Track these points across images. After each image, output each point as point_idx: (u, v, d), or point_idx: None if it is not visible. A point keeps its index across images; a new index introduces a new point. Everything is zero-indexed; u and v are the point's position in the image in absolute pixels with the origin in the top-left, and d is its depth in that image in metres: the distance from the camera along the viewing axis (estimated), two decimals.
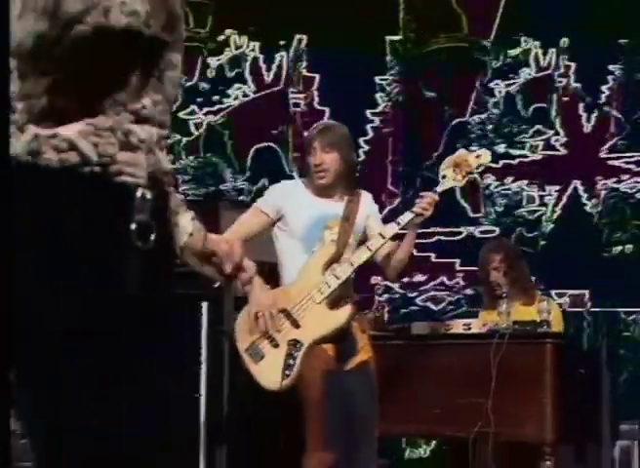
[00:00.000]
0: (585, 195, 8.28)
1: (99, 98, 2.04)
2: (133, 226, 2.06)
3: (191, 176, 8.97)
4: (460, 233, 7.51)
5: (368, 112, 9.42)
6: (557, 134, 8.54)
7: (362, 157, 9.17)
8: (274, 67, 9.52)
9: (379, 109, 9.46)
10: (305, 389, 4.26)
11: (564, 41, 8.59)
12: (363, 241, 4.43)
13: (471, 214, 8.45)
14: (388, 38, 9.21)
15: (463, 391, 4.96)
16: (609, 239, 8.01)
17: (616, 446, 5.79)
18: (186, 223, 2.40)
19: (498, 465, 4.91)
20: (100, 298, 2.05)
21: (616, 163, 8.17)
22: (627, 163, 8.16)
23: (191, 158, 9.06)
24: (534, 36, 8.72)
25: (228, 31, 9.16)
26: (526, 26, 8.62)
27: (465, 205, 8.50)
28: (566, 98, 8.56)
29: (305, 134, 4.77)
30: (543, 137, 8.62)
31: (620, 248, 7.84)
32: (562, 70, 8.75)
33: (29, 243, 2.04)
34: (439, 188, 4.39)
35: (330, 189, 4.38)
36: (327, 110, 9.28)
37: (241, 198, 8.30)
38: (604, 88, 8.41)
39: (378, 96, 9.46)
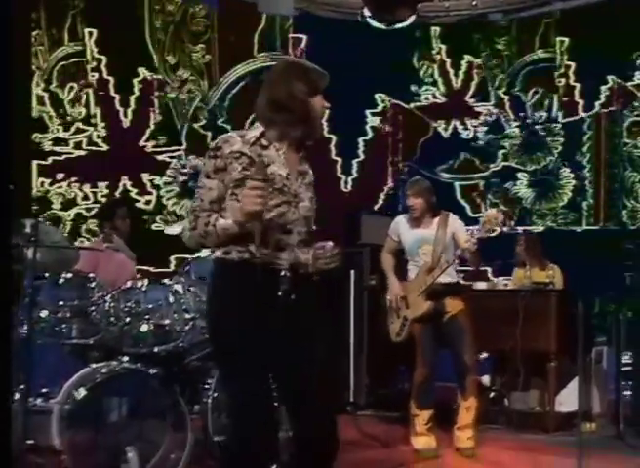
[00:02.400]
0: None
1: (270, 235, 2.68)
2: (279, 293, 2.66)
3: None
4: None
5: (368, 112, 9.32)
6: None
7: (362, 157, 9.25)
8: None
9: (378, 109, 9.31)
10: (414, 335, 5.59)
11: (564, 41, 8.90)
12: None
13: (471, 214, 8.90)
14: None
15: (503, 322, 6.11)
16: None
17: (592, 351, 6.59)
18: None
19: (524, 367, 6.14)
20: (261, 328, 2.70)
21: None
22: None
23: None
24: None
25: None
26: None
27: (465, 204, 9.10)
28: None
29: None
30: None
31: None
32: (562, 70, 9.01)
33: (227, 302, 2.67)
34: (477, 235, 5.12)
35: (419, 220, 5.57)
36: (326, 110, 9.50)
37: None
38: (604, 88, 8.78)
39: (377, 95, 9.34)
